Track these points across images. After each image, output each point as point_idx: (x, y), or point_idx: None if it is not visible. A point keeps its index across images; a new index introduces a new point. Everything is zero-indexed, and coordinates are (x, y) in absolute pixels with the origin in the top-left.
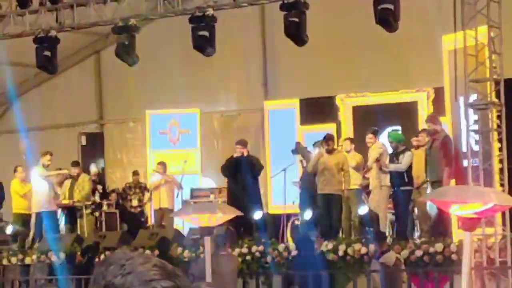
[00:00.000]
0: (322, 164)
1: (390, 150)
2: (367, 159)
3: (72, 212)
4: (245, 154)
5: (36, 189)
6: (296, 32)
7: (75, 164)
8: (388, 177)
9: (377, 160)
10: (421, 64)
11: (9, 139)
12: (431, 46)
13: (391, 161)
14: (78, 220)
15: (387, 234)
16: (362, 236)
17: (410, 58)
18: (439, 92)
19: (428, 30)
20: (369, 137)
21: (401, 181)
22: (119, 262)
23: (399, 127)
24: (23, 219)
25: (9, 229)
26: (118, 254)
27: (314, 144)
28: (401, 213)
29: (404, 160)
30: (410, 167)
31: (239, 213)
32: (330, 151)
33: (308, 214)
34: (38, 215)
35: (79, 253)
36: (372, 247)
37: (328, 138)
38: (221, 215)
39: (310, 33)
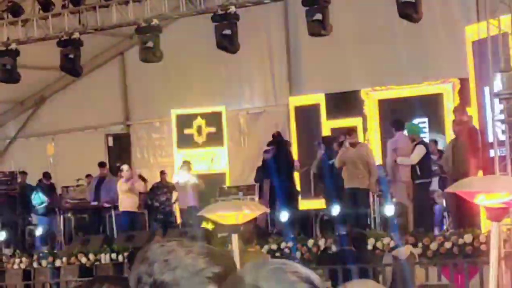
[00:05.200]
0: (345, 158)
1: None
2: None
3: (99, 213)
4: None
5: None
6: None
7: (102, 164)
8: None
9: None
10: (445, 55)
11: (36, 142)
12: (454, 37)
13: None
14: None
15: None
16: (389, 229)
17: (434, 49)
18: (464, 83)
19: (451, 21)
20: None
21: (414, 174)
22: (161, 258)
23: (425, 119)
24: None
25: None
26: (156, 250)
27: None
28: (420, 206)
29: (414, 153)
30: (426, 160)
31: (266, 210)
32: (353, 144)
33: (335, 210)
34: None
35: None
36: (392, 242)
37: (350, 131)
38: (248, 212)
39: (334, 28)
